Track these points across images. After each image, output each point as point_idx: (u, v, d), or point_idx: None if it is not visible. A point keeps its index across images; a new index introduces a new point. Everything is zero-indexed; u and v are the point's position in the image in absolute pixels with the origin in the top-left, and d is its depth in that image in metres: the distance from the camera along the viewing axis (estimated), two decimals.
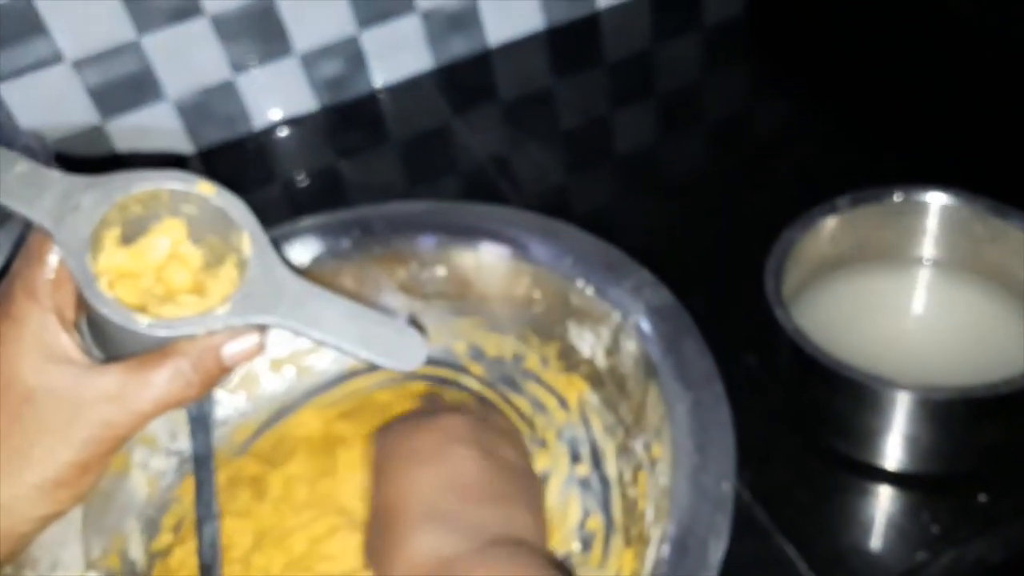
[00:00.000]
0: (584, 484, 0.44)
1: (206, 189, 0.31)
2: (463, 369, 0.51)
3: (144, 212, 0.31)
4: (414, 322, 0.49)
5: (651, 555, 0.37)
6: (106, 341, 0.31)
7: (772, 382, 0.47)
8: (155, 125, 0.68)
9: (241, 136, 0.72)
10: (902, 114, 0.61)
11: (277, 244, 0.32)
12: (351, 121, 0.72)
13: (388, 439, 0.40)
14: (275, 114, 0.72)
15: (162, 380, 0.30)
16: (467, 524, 0.35)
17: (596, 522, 0.43)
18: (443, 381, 0.50)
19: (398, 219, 0.51)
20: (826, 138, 0.62)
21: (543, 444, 0.46)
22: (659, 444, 0.40)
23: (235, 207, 0.31)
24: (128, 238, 0.31)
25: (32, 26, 0.61)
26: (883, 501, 0.42)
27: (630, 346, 0.43)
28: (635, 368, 0.43)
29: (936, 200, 0.45)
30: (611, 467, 0.44)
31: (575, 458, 0.45)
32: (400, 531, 0.36)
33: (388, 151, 0.71)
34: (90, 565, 0.42)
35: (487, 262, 0.49)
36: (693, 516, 0.35)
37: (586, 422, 0.46)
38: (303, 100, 0.72)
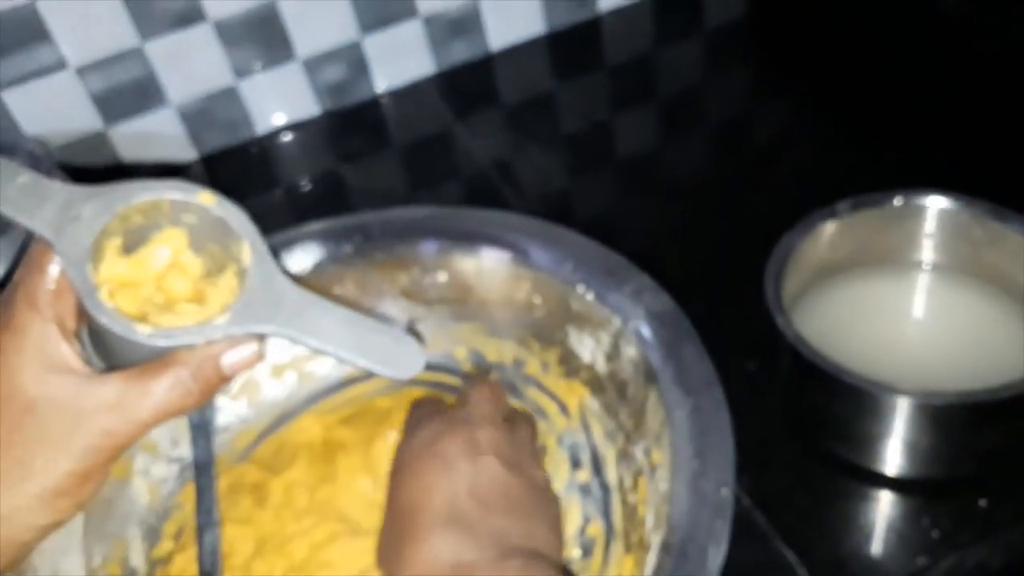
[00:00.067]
0: (584, 490, 0.44)
1: (206, 199, 0.31)
2: (464, 374, 0.51)
3: (145, 222, 0.31)
4: (412, 330, 0.50)
5: (651, 561, 0.37)
6: (107, 350, 0.31)
7: (772, 387, 0.47)
8: (158, 131, 0.69)
9: (244, 141, 0.72)
10: (902, 118, 0.61)
11: (278, 250, 0.32)
12: (353, 126, 0.72)
13: (414, 439, 0.40)
14: (278, 119, 0.72)
15: (162, 389, 0.30)
16: (486, 532, 0.35)
17: (596, 528, 0.43)
18: (444, 387, 0.50)
19: (399, 225, 0.51)
20: (826, 142, 0.62)
21: (544, 450, 0.46)
22: (659, 450, 0.40)
23: (235, 217, 0.31)
24: (129, 247, 0.31)
25: (36, 33, 0.61)
26: (883, 506, 0.42)
27: (630, 351, 0.43)
28: (635, 373, 0.43)
29: (936, 204, 0.45)
30: (611, 473, 0.44)
31: (575, 464, 0.45)
32: (419, 532, 0.36)
33: (390, 156, 0.71)
34: (91, 573, 0.42)
35: (488, 267, 0.49)
36: (693, 522, 0.35)
37: (587, 428, 0.46)
38: (306, 105, 0.72)
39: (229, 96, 0.69)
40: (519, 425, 0.42)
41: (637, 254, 0.47)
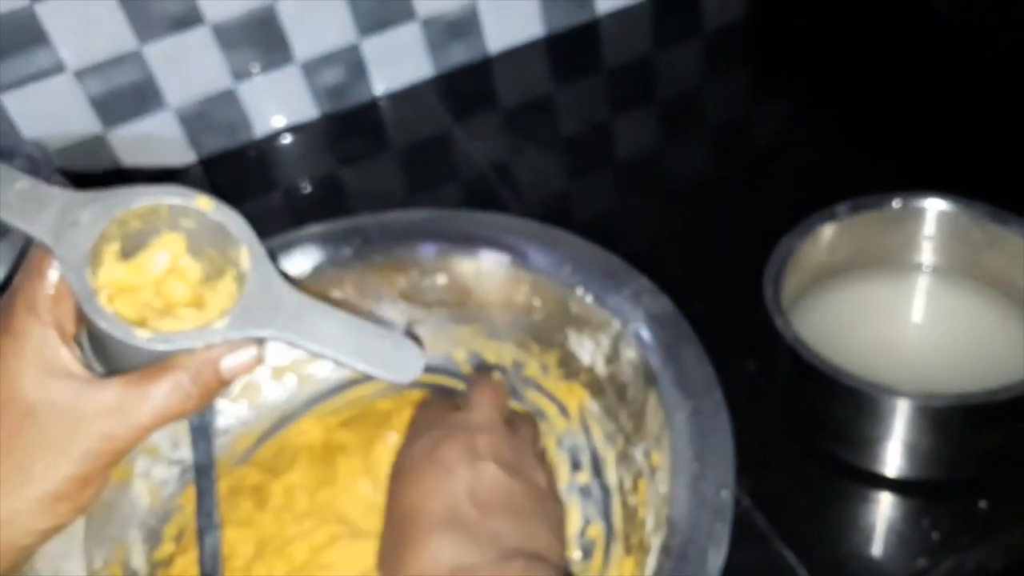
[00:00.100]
0: (584, 492, 0.44)
1: (204, 204, 0.31)
2: (464, 377, 0.51)
3: (143, 227, 0.31)
4: (411, 334, 0.50)
5: (651, 563, 0.37)
6: (106, 355, 0.31)
7: (771, 389, 0.47)
8: (157, 134, 0.69)
9: (242, 144, 0.72)
10: (901, 120, 0.61)
11: (277, 253, 0.32)
12: (352, 129, 0.72)
13: (413, 446, 0.40)
14: (276, 122, 0.72)
15: (161, 393, 0.30)
16: (486, 535, 0.35)
17: (597, 530, 0.43)
18: (443, 389, 0.50)
19: (398, 228, 0.51)
20: (825, 144, 0.62)
21: (544, 452, 0.46)
22: (659, 452, 0.40)
23: (233, 221, 0.31)
24: (127, 252, 0.31)
25: (34, 36, 0.61)
26: (883, 508, 0.42)
27: (630, 354, 0.43)
28: (635, 376, 0.43)
29: (935, 206, 0.45)
30: (611, 475, 0.44)
31: (576, 466, 0.45)
32: (418, 536, 0.36)
33: (389, 158, 0.71)
34: (92, 575, 0.42)
35: (487, 270, 0.49)
36: (692, 525, 0.35)
37: (586, 430, 0.46)
38: (304, 108, 0.72)
39: (227, 99, 0.69)
40: (520, 428, 0.42)
41: (636, 256, 0.47)
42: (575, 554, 0.42)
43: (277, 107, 0.71)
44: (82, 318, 0.30)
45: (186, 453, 0.48)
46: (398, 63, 0.73)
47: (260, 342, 0.32)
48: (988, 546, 0.40)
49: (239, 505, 0.45)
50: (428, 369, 0.35)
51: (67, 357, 0.30)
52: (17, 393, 0.29)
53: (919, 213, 0.45)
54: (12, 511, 0.30)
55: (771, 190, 0.59)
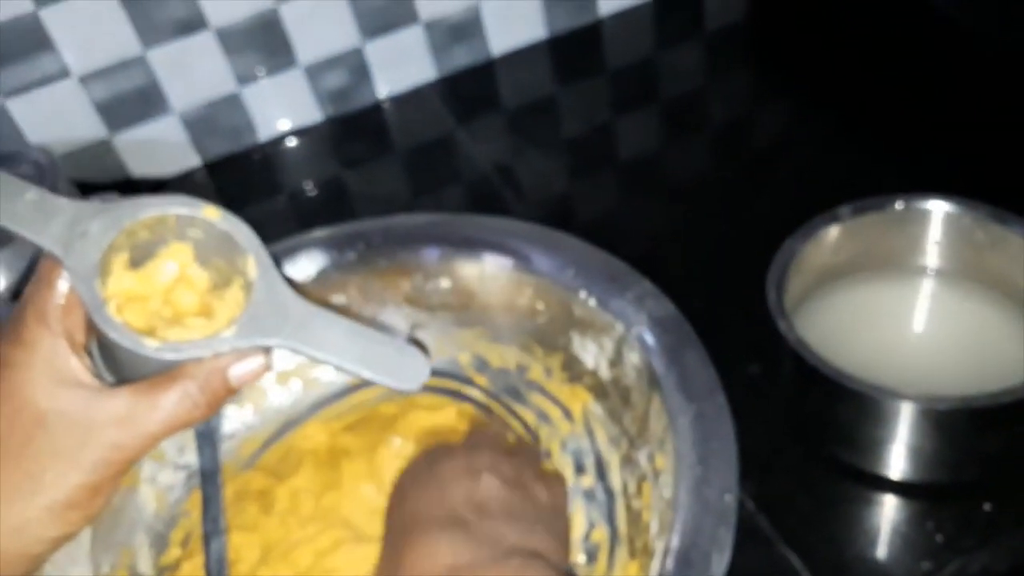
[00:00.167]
0: (589, 495, 0.44)
1: (211, 214, 0.32)
2: (468, 380, 0.51)
3: (151, 237, 0.31)
4: (417, 342, 0.50)
5: (655, 567, 0.37)
6: (116, 364, 0.31)
7: (775, 392, 0.47)
8: (162, 139, 0.69)
9: (247, 148, 0.72)
10: (903, 121, 0.61)
11: (281, 258, 0.33)
12: (356, 132, 0.72)
13: (413, 467, 0.41)
14: (280, 126, 0.72)
15: (170, 402, 0.30)
16: (484, 535, 0.35)
17: (601, 534, 0.43)
18: (448, 392, 0.50)
19: (401, 232, 0.52)
20: (827, 145, 0.62)
21: (548, 455, 0.46)
22: (663, 455, 0.40)
23: (240, 231, 0.32)
24: (136, 262, 0.31)
25: (39, 42, 0.62)
26: (887, 510, 0.42)
27: (633, 357, 0.44)
28: (638, 379, 0.43)
29: (937, 208, 0.45)
30: (615, 478, 0.44)
31: (579, 469, 0.45)
32: (416, 538, 0.36)
33: (393, 161, 0.71)
34: None
35: (490, 273, 0.50)
36: (696, 529, 0.36)
37: (590, 433, 0.46)
38: (308, 112, 0.72)
39: (232, 103, 0.70)
40: (521, 453, 0.43)
41: (639, 258, 0.47)
42: (580, 557, 0.42)
43: (281, 111, 0.72)
44: (92, 328, 0.30)
45: (192, 458, 0.48)
46: (401, 66, 0.73)
47: (267, 350, 0.32)
48: (992, 549, 0.40)
49: (245, 510, 0.45)
50: (432, 373, 0.35)
51: (77, 367, 0.30)
52: (27, 402, 0.30)
53: (922, 215, 0.45)
54: (23, 519, 0.30)
55: (773, 191, 0.59)
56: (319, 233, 0.52)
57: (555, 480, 0.42)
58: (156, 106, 0.67)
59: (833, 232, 0.45)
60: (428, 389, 0.50)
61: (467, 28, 0.73)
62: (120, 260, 0.31)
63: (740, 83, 0.72)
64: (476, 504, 0.37)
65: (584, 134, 0.69)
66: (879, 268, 0.47)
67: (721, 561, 0.35)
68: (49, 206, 0.30)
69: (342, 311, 0.33)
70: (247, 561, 0.43)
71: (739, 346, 0.45)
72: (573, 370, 0.48)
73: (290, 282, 0.32)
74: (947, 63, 0.64)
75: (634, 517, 0.42)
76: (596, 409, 0.47)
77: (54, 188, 0.53)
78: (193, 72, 0.67)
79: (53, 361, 0.30)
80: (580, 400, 0.47)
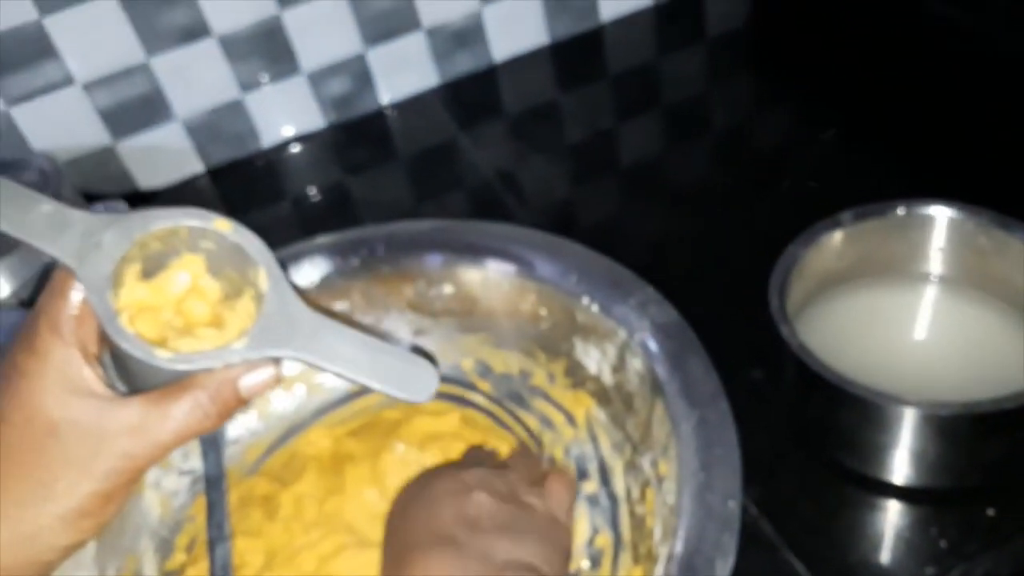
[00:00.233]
0: (592, 501, 0.44)
1: (223, 226, 0.32)
2: (471, 386, 0.51)
3: (163, 248, 0.32)
4: (425, 352, 0.50)
5: (659, 573, 0.37)
6: (128, 374, 0.32)
7: (777, 398, 0.47)
8: (165, 145, 0.69)
9: (250, 154, 0.72)
10: (905, 126, 0.61)
11: (286, 264, 0.33)
12: (359, 138, 0.73)
13: (407, 489, 0.41)
14: (284, 132, 0.73)
15: (181, 413, 0.30)
16: (476, 551, 0.36)
17: (605, 539, 0.43)
18: (451, 398, 0.50)
19: (404, 238, 0.52)
20: (829, 151, 0.62)
21: (551, 461, 0.46)
22: (666, 461, 0.40)
23: (251, 243, 0.32)
24: (148, 273, 0.31)
25: (43, 50, 0.62)
26: (891, 516, 0.42)
27: (636, 363, 0.44)
28: (641, 385, 0.43)
29: (940, 213, 0.45)
30: (619, 484, 0.44)
31: (583, 475, 0.46)
32: (409, 559, 0.36)
33: (395, 167, 0.71)
34: None
35: (493, 280, 0.50)
36: (700, 535, 0.36)
37: (594, 439, 0.46)
38: (311, 118, 0.73)
39: (235, 109, 0.70)
40: (518, 463, 0.43)
41: (641, 264, 0.47)
42: (584, 563, 0.42)
43: (284, 117, 0.72)
44: (104, 338, 0.31)
45: (196, 464, 0.48)
46: (404, 72, 0.73)
47: (277, 361, 0.32)
48: (996, 554, 0.40)
49: (249, 515, 0.45)
50: None
51: (90, 376, 0.30)
52: (40, 411, 0.30)
53: (924, 220, 0.45)
54: (35, 527, 0.30)
55: (775, 197, 0.59)
56: (322, 239, 0.52)
57: (555, 485, 0.42)
58: (160, 113, 0.68)
59: (835, 238, 0.45)
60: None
61: (469, 34, 0.73)
62: (132, 271, 0.31)
63: (742, 89, 0.72)
64: (467, 521, 0.37)
65: (586, 140, 0.69)
66: (881, 274, 0.47)
67: (725, 567, 0.35)
68: (63, 218, 0.30)
69: (347, 320, 0.33)
70: (251, 566, 0.43)
71: (742, 352, 0.45)
72: (576, 376, 0.48)
73: (301, 294, 0.32)
74: (950, 69, 0.64)
75: (638, 523, 0.42)
76: (599, 415, 0.47)
77: (58, 195, 0.54)
78: (196, 79, 0.67)
79: (66, 371, 0.30)
80: (583, 406, 0.47)
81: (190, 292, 0.32)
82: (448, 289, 0.51)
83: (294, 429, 0.51)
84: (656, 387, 0.42)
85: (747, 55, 0.75)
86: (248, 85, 0.69)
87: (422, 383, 0.32)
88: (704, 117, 0.70)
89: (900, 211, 0.45)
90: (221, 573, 0.37)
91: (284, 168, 0.72)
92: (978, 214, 0.44)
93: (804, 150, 0.63)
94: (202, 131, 0.70)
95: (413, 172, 0.70)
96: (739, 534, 0.36)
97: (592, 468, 0.46)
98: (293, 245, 0.52)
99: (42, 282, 0.31)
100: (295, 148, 0.73)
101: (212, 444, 0.37)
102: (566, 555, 0.39)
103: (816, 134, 0.63)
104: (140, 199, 0.70)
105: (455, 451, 0.46)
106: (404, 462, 0.46)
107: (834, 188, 0.57)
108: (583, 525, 0.44)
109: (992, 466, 0.41)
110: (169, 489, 0.48)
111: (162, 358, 0.30)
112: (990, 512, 0.41)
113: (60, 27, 0.62)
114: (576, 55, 0.76)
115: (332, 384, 0.52)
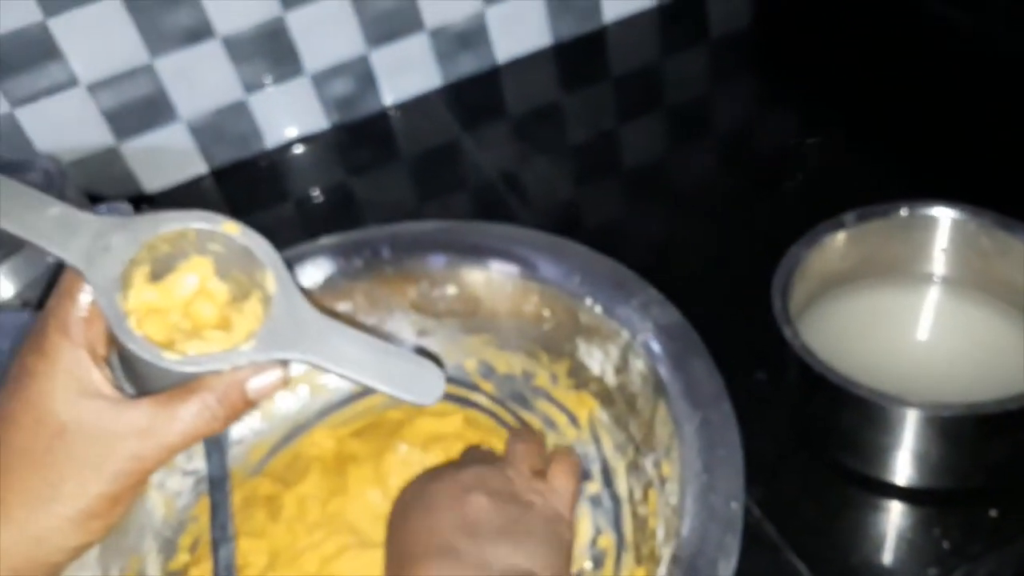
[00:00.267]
0: (595, 502, 0.45)
1: (231, 228, 0.32)
2: (474, 387, 0.51)
3: (172, 250, 0.32)
4: (431, 355, 0.50)
5: (662, 574, 0.37)
6: (136, 376, 0.32)
7: (780, 399, 0.47)
8: (169, 146, 0.69)
9: (254, 155, 0.72)
10: (908, 127, 0.61)
11: (290, 265, 0.33)
12: (362, 139, 0.73)
13: (406, 493, 0.41)
14: (287, 133, 0.73)
15: (189, 415, 0.30)
16: (474, 560, 0.36)
17: (607, 540, 0.43)
18: (454, 399, 0.50)
19: (408, 239, 0.52)
20: (832, 152, 0.62)
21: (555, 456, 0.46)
22: (668, 462, 0.41)
23: (259, 246, 0.32)
24: (157, 275, 0.32)
25: (47, 51, 0.62)
26: (893, 517, 0.42)
27: (639, 364, 0.44)
28: (644, 386, 0.43)
29: (943, 214, 0.45)
30: (622, 485, 0.44)
31: (586, 475, 0.46)
32: (411, 570, 0.36)
33: (399, 168, 0.71)
34: None
35: (496, 280, 0.50)
36: (702, 536, 0.36)
37: (596, 439, 0.47)
38: (314, 119, 0.73)
39: (239, 110, 0.70)
40: (518, 459, 0.43)
41: (644, 265, 0.47)
42: (586, 564, 0.42)
43: (288, 118, 0.72)
44: (113, 340, 0.31)
45: (200, 464, 0.48)
46: (407, 74, 0.73)
47: (285, 363, 0.32)
48: (998, 555, 0.40)
49: (253, 516, 0.46)
50: None
51: (98, 378, 0.30)
52: (49, 413, 0.30)
53: (927, 221, 0.45)
54: (43, 528, 0.30)
55: (778, 198, 0.59)
56: (326, 240, 0.53)
57: (559, 474, 0.42)
58: (164, 114, 0.68)
59: (838, 239, 0.45)
60: None
61: (472, 36, 0.73)
62: (141, 273, 0.31)
63: (745, 90, 0.72)
64: (466, 528, 0.37)
65: (589, 141, 0.69)
66: (884, 275, 0.47)
67: (727, 568, 0.35)
68: (72, 221, 0.30)
69: (351, 321, 0.33)
70: (255, 567, 0.44)
71: (744, 353, 0.45)
72: (579, 377, 0.48)
73: (309, 296, 0.32)
74: (953, 70, 0.64)
75: (640, 524, 0.42)
76: (602, 416, 0.47)
77: (62, 196, 0.53)
78: (200, 80, 0.67)
79: (74, 372, 0.30)
80: (586, 407, 0.47)
81: (198, 294, 0.32)
82: (451, 290, 0.51)
83: (298, 430, 0.51)
84: (659, 388, 0.42)
85: (750, 56, 0.75)
86: (252, 86, 0.69)
87: (429, 385, 0.32)
88: (707, 118, 0.70)
89: (903, 212, 0.45)
90: (225, 573, 0.37)
91: (288, 169, 0.72)
92: (981, 215, 0.44)
93: (807, 151, 0.63)
94: (206, 132, 0.70)
95: (416, 173, 0.71)
96: (742, 535, 0.36)
97: (595, 469, 0.46)
98: (297, 246, 0.52)
99: (46, 284, 0.31)
100: (299, 149, 0.73)
101: (216, 445, 0.37)
102: (567, 552, 0.39)
103: (819, 135, 0.63)
104: (144, 200, 0.70)
105: (458, 452, 0.46)
106: (407, 463, 0.46)
107: (837, 189, 0.57)
108: (586, 526, 0.44)
109: (995, 467, 0.42)
110: (173, 489, 0.48)
111: (170, 360, 0.30)
112: (993, 513, 0.41)
113: (64, 28, 0.62)
114: (579, 56, 0.76)
115: (335, 385, 0.52)
